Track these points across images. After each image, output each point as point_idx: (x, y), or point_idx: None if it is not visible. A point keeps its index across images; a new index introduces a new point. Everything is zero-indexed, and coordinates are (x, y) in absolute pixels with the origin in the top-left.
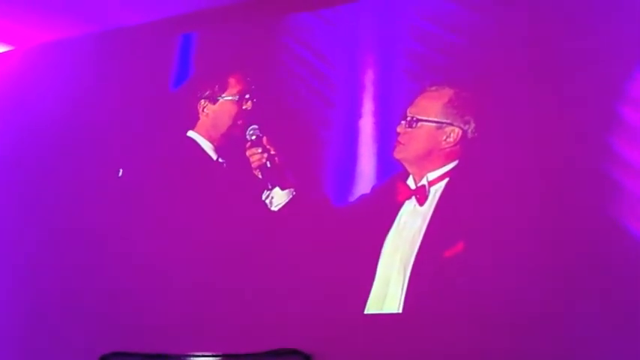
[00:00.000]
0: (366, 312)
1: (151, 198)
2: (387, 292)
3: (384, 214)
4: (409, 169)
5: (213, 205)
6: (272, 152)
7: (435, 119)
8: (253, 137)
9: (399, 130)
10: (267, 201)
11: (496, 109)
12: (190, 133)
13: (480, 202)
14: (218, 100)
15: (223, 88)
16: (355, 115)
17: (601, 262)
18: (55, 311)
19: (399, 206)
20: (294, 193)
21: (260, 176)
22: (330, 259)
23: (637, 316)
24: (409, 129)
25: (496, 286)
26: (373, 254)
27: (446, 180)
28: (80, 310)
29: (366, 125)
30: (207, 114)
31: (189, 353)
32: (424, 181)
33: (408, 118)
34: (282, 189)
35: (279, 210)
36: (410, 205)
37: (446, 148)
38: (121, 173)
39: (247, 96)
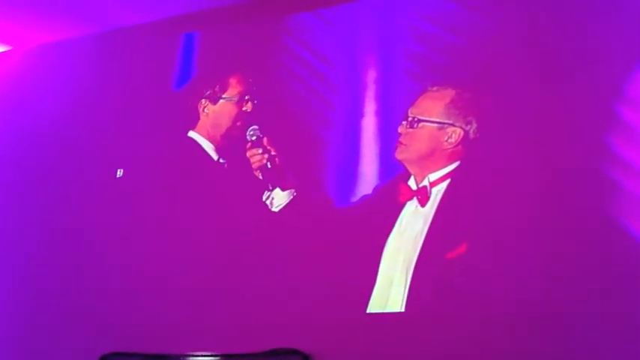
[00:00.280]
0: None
1: (152, 198)
2: (390, 294)
3: (386, 215)
4: (411, 170)
5: (214, 205)
6: (272, 153)
7: (437, 120)
8: (254, 138)
9: (400, 130)
10: (268, 202)
11: (498, 109)
12: (191, 134)
13: (481, 203)
14: (219, 100)
15: (224, 89)
16: (356, 115)
17: (601, 262)
18: (55, 311)
19: (400, 207)
20: (294, 193)
21: (261, 177)
22: (331, 260)
23: (637, 316)
24: (411, 129)
25: (498, 286)
26: (375, 255)
27: (448, 181)
28: (80, 311)
29: (368, 126)
30: (208, 114)
31: (188, 353)
32: (426, 182)
33: (410, 119)
34: (283, 190)
35: (280, 211)
36: (411, 206)
37: (448, 149)
38: (119, 174)
39: (247, 97)
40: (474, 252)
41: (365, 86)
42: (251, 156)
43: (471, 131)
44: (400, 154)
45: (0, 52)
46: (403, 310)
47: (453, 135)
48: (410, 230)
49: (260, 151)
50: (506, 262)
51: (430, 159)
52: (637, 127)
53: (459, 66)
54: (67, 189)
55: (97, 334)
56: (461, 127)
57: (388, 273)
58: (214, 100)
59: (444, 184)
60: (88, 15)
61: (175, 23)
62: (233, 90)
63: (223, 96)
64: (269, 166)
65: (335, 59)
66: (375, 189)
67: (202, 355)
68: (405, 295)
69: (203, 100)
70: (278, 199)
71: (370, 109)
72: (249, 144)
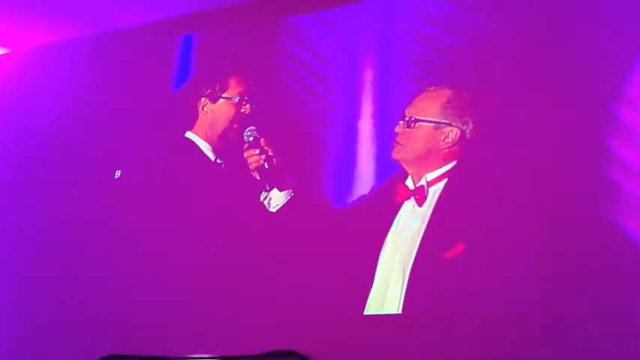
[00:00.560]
0: (365, 313)
1: (150, 199)
2: (387, 294)
3: (383, 215)
4: (408, 170)
5: (211, 206)
6: (270, 153)
7: (434, 119)
8: (251, 138)
9: (397, 130)
10: (266, 202)
11: (495, 109)
12: (188, 134)
13: (479, 202)
14: (218, 99)
15: (224, 88)
16: (354, 115)
17: (599, 262)
18: (54, 312)
19: (397, 207)
20: (292, 194)
21: (258, 178)
22: (328, 261)
23: (636, 316)
24: (407, 129)
25: (495, 286)
26: (372, 255)
27: (445, 180)
28: (79, 312)
29: (365, 126)
30: (207, 112)
31: (187, 356)
32: (423, 182)
33: (407, 119)
34: (281, 190)
35: (278, 211)
36: (409, 206)
37: (444, 149)
38: (117, 175)
39: (246, 98)
40: (471, 252)
41: (363, 87)
42: (248, 157)
43: (468, 131)
44: (397, 154)
45: None
46: (400, 311)
47: (450, 135)
48: (407, 230)
49: (257, 151)
50: (503, 262)
51: (427, 159)
52: (636, 128)
53: (457, 66)
54: (67, 189)
55: (95, 335)
56: (458, 127)
57: (385, 273)
58: (214, 99)
59: (441, 184)
60: (87, 16)
61: (174, 24)
62: (233, 90)
63: (223, 95)
64: (266, 166)
65: (333, 60)
66: (372, 189)
67: (200, 357)
68: (403, 296)
69: (202, 99)
70: (275, 199)
71: (368, 109)
72: (247, 144)
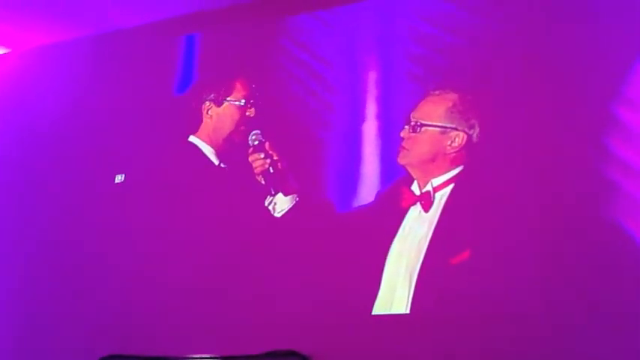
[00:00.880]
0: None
1: (152, 202)
2: (393, 298)
3: (389, 220)
4: (413, 175)
5: (215, 210)
6: (275, 158)
7: (439, 124)
8: (256, 142)
9: (402, 135)
10: (271, 207)
11: (496, 111)
12: (192, 139)
13: (485, 207)
14: (223, 102)
15: (229, 92)
16: (358, 119)
17: (602, 264)
18: (54, 312)
19: (403, 212)
20: (297, 199)
21: (263, 182)
22: (334, 266)
23: (637, 316)
24: (413, 134)
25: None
26: (378, 261)
27: (451, 186)
28: (78, 312)
29: (370, 130)
30: (211, 116)
31: (187, 356)
32: (429, 187)
33: (412, 123)
34: (286, 195)
35: (283, 216)
36: (415, 212)
37: (451, 153)
38: (119, 179)
39: (251, 101)
40: (478, 258)
41: (367, 90)
42: (253, 161)
43: (474, 135)
44: (403, 159)
45: None
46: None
47: (456, 139)
48: (413, 235)
49: (262, 155)
50: (508, 265)
51: (433, 163)
52: (635, 128)
53: (459, 67)
54: (67, 190)
55: (95, 335)
56: (464, 131)
57: (391, 278)
58: (219, 103)
59: (448, 189)
60: (87, 16)
61: (175, 24)
62: (238, 94)
63: (228, 99)
64: (271, 170)
65: (337, 62)
66: (377, 194)
67: (200, 357)
68: (409, 300)
69: (207, 103)
70: (280, 204)
71: (372, 113)
72: (251, 148)
